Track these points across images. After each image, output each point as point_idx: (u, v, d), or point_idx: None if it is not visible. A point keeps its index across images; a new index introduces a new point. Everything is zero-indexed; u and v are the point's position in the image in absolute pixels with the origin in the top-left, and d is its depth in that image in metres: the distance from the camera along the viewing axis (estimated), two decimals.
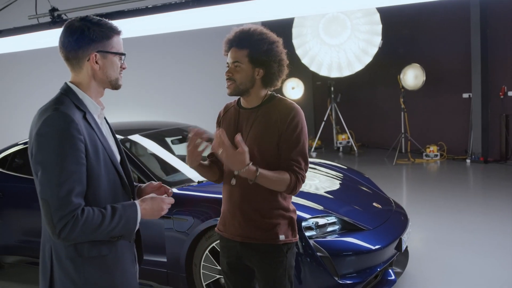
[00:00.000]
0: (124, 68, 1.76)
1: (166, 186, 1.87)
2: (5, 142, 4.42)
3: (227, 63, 2.04)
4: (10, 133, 6.17)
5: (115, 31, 1.70)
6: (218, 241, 2.27)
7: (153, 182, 1.90)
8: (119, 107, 6.89)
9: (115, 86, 1.75)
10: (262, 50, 1.97)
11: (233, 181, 2.03)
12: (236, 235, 2.06)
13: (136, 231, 1.81)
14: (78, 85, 1.69)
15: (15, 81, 7.37)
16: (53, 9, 4.40)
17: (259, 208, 2.01)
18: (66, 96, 1.65)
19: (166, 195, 1.82)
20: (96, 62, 1.67)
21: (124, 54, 1.73)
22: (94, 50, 1.66)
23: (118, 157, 1.79)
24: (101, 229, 1.54)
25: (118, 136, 3.60)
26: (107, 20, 1.73)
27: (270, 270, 2.03)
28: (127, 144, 3.84)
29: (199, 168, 2.06)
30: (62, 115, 1.54)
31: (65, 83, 1.70)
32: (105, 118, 1.83)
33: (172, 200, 1.76)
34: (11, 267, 4.26)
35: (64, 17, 4.32)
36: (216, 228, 2.20)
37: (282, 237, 2.03)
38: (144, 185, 1.89)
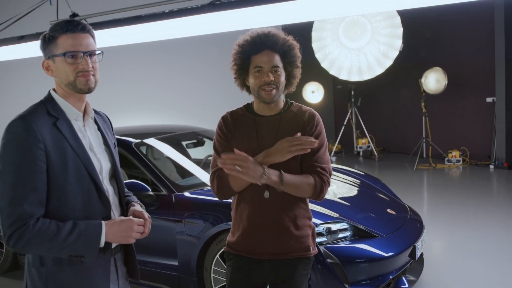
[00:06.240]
0: (81, 70, 1.51)
1: (145, 213, 1.69)
2: None
3: (259, 66, 1.90)
4: None
5: (62, 30, 1.50)
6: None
7: (137, 208, 1.72)
8: (134, 110, 6.95)
9: (77, 90, 1.54)
10: (291, 55, 1.95)
11: (267, 194, 1.91)
12: (266, 253, 1.94)
13: (127, 245, 1.70)
14: (57, 92, 1.59)
15: (29, 85, 7.52)
16: (74, 15, 4.48)
17: (295, 218, 1.94)
18: (43, 103, 1.56)
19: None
20: (48, 69, 1.56)
21: (64, 54, 1.49)
22: (46, 57, 1.55)
23: (107, 166, 1.65)
24: (53, 243, 1.44)
25: (132, 140, 3.71)
26: (62, 20, 1.58)
27: (296, 284, 1.95)
28: (143, 148, 3.89)
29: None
30: (21, 122, 1.45)
31: (49, 90, 1.61)
32: (98, 125, 1.69)
33: (142, 222, 1.62)
34: None
35: (84, 22, 4.40)
36: (227, 248, 2.03)
37: (311, 248, 1.99)
38: (131, 208, 1.71)
